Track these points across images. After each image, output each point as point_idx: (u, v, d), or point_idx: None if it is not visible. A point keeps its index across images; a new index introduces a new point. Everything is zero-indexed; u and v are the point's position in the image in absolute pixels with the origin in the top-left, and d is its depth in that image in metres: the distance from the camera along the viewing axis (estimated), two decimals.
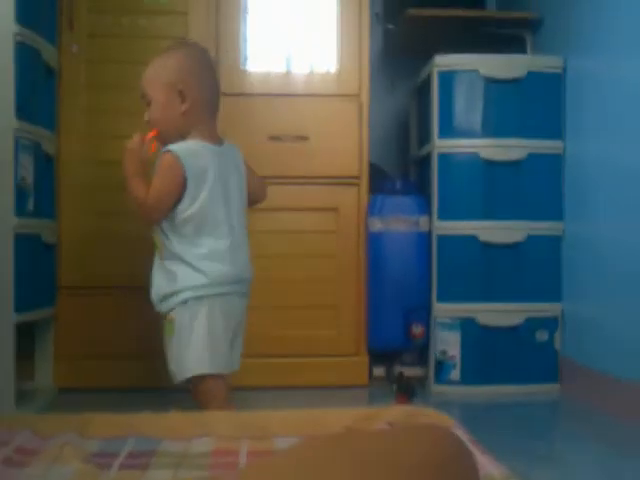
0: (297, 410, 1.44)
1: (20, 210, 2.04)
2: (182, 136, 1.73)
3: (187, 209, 1.68)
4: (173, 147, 1.69)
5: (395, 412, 1.39)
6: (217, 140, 1.78)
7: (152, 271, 1.75)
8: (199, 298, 1.68)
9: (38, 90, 2.17)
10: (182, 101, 1.72)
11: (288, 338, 2.53)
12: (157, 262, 1.74)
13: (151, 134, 1.73)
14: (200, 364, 1.69)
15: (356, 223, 2.56)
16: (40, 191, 2.19)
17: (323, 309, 2.55)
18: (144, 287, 2.39)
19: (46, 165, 2.25)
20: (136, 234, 2.45)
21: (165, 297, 1.70)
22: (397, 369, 2.56)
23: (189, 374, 1.69)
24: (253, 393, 2.43)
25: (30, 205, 2.12)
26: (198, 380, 1.70)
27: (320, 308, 2.55)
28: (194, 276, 1.68)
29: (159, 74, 1.74)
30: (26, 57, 2.06)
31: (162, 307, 1.72)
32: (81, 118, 2.48)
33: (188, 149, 1.70)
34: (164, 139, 1.74)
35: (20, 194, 2.04)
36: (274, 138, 2.53)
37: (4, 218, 2.00)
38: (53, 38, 2.31)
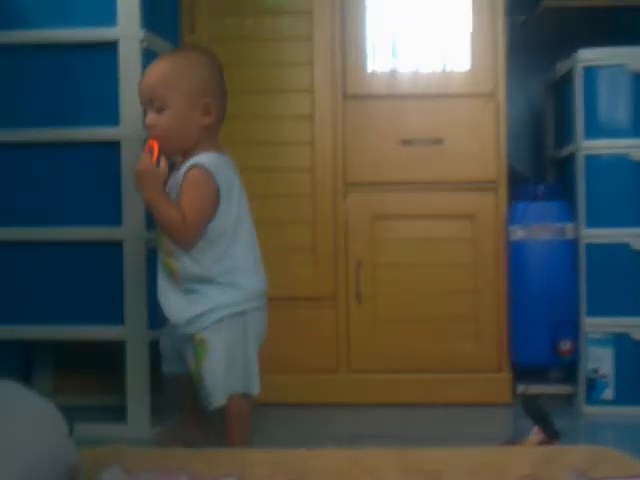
0: (467, 450, 1.31)
1: (150, 224, 1.96)
2: (187, 148, 1.62)
3: (222, 223, 1.59)
4: (199, 161, 1.57)
5: (580, 455, 1.24)
6: (223, 150, 1.69)
7: (163, 294, 1.63)
8: (234, 315, 1.60)
9: None
10: (205, 114, 1.61)
11: (422, 352, 2.40)
12: (170, 285, 1.62)
13: (153, 144, 1.58)
14: (242, 383, 1.61)
15: (494, 231, 2.40)
16: None
17: (461, 321, 2.40)
18: (279, 297, 2.32)
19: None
20: (269, 242, 2.37)
21: (193, 319, 1.59)
22: (522, 388, 2.36)
23: (229, 394, 1.58)
24: (386, 410, 2.32)
25: None
26: (237, 401, 1.60)
27: (458, 320, 2.40)
28: (227, 292, 1.59)
29: (181, 80, 1.60)
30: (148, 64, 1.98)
31: (188, 329, 1.60)
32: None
33: (214, 162, 1.60)
34: (166, 150, 1.60)
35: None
36: (405, 142, 2.39)
37: (137, 233, 1.93)
38: (176, 42, 2.23)
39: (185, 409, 1.73)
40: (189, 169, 1.56)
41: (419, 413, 2.29)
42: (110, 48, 1.91)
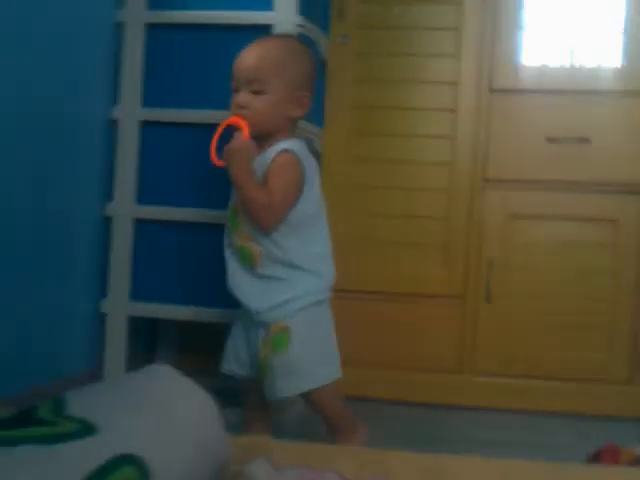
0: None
1: None
2: (269, 134, 1.60)
3: (305, 210, 1.59)
4: (289, 147, 1.58)
5: None
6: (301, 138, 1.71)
7: (238, 282, 1.62)
8: (318, 303, 1.62)
9: None
10: (299, 106, 1.62)
11: (550, 358, 2.33)
12: (246, 271, 1.61)
13: (243, 124, 1.56)
14: (331, 369, 1.63)
15: (638, 237, 2.30)
16: None
17: (594, 329, 2.32)
18: (407, 293, 2.30)
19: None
20: (401, 236, 2.36)
21: (276, 306, 1.59)
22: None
23: (323, 382, 1.61)
24: (509, 416, 2.26)
25: None
26: (328, 387, 1.62)
27: (590, 328, 2.32)
28: (311, 280, 1.61)
29: (288, 70, 1.60)
30: None
31: (268, 317, 1.59)
32: (347, 114, 2.38)
33: (302, 150, 1.61)
34: (249, 132, 1.58)
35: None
36: (551, 140, 2.31)
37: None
38: (326, 29, 2.21)
39: (250, 407, 1.73)
40: (279, 154, 1.56)
41: (543, 422, 2.23)
42: (265, 32, 1.90)
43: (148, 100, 2.00)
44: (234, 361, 1.68)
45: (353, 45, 2.38)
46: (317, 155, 2.15)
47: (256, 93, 1.57)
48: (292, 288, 1.58)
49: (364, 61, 2.38)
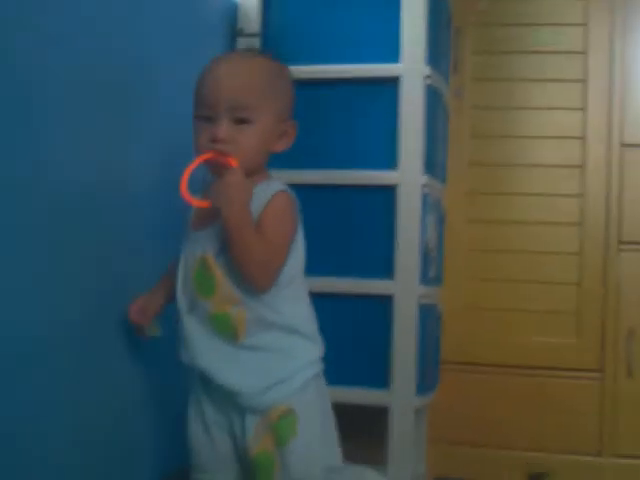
0: None
1: (424, 277, 1.78)
2: (249, 173, 1.25)
3: (295, 263, 1.31)
4: (283, 187, 1.29)
5: None
6: None
7: (214, 355, 1.26)
8: (317, 376, 1.32)
9: (439, 137, 1.92)
10: (283, 138, 1.33)
11: None
12: (226, 344, 1.26)
13: (232, 162, 1.23)
14: (334, 454, 1.34)
15: None
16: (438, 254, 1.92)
17: None
18: (535, 366, 2.09)
19: (440, 224, 1.98)
20: (528, 304, 2.17)
21: (271, 386, 1.26)
22: None
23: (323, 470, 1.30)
24: None
25: (432, 271, 1.85)
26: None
27: None
28: (310, 347, 1.31)
29: (277, 95, 1.30)
30: (432, 101, 1.81)
31: (266, 400, 1.25)
32: (465, 170, 2.21)
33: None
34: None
35: (424, 259, 1.78)
36: None
37: (410, 287, 1.74)
38: (446, 80, 2.06)
39: None
40: (276, 195, 1.26)
41: None
42: (392, 85, 1.75)
43: None
44: (210, 462, 1.32)
45: (469, 98, 2.22)
46: (442, 215, 1.98)
47: (239, 123, 1.25)
48: (292, 359, 1.28)
49: (481, 115, 2.24)
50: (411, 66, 1.76)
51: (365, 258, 1.79)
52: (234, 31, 1.87)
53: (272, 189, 1.26)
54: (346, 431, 1.92)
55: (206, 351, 1.27)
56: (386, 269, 1.76)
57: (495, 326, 2.21)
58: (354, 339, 1.79)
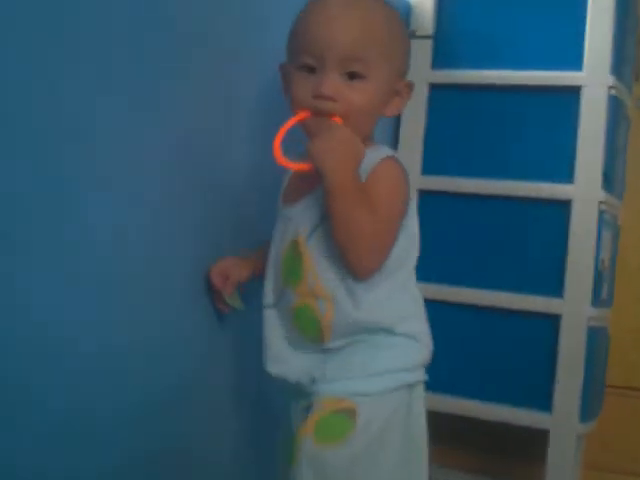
0: None
1: (595, 298, 1.68)
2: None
3: (406, 245, 1.07)
4: (391, 153, 1.07)
5: None
6: None
7: (292, 361, 1.07)
8: (410, 387, 1.05)
9: (620, 151, 1.80)
10: (392, 101, 1.09)
11: None
12: (307, 347, 1.07)
13: (338, 122, 1.02)
14: None
15: None
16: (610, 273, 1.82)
17: None
18: None
19: (615, 242, 1.87)
20: None
21: (342, 379, 1.04)
22: None
23: None
24: None
25: (604, 292, 1.75)
26: None
27: None
28: (406, 351, 1.06)
29: (395, 49, 1.08)
30: (614, 113, 1.70)
31: (326, 387, 1.03)
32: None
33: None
34: None
35: (597, 279, 1.68)
36: None
37: (580, 308, 1.65)
38: (630, 90, 1.93)
39: None
40: (383, 161, 1.04)
41: None
42: (573, 95, 1.66)
43: (427, 168, 1.81)
44: None
45: None
46: (617, 232, 1.86)
47: (350, 77, 1.03)
48: (377, 360, 1.04)
49: None
50: (595, 75, 1.66)
51: (534, 274, 1.71)
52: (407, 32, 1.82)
53: (379, 154, 1.05)
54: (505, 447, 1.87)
55: (281, 351, 1.09)
56: (556, 287, 1.68)
57: None
58: (518, 357, 1.72)
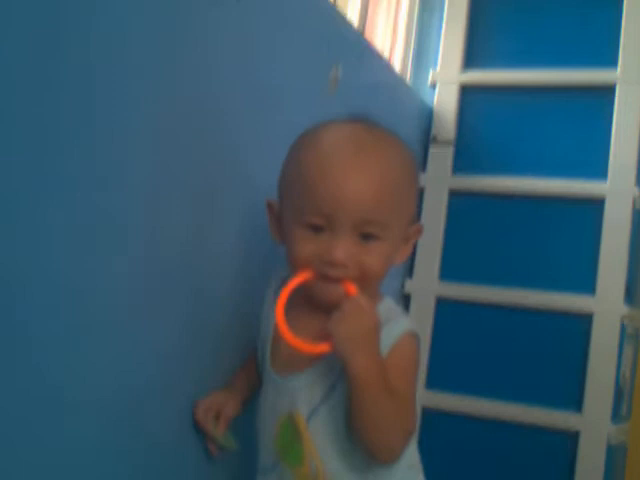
0: None
1: (615, 414, 1.63)
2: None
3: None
4: (410, 326, 0.96)
5: None
6: None
7: None
8: None
9: None
10: (406, 245, 1.00)
11: None
12: None
13: (352, 290, 0.91)
14: None
15: None
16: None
17: None
18: None
19: (636, 354, 1.82)
20: None
21: None
22: None
23: None
24: None
25: (624, 408, 1.70)
26: None
27: None
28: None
29: (409, 201, 0.99)
30: (638, 225, 1.68)
31: None
32: None
33: None
34: None
35: (618, 395, 1.64)
36: None
37: (600, 425, 1.61)
38: None
39: None
40: (404, 337, 0.94)
41: None
42: (596, 205, 1.65)
43: (445, 274, 1.79)
44: None
45: None
46: (638, 345, 1.82)
47: (364, 238, 0.92)
48: None
49: None
50: (619, 186, 1.65)
51: (554, 388, 1.67)
52: (428, 138, 1.82)
53: (400, 327, 0.95)
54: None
55: None
56: (575, 403, 1.63)
57: None
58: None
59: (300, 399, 0.94)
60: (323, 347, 0.90)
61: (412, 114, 1.80)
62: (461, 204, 1.79)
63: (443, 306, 1.75)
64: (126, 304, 0.93)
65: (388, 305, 0.98)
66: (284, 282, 0.95)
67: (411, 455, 0.98)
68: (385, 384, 0.88)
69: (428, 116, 1.83)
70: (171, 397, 1.03)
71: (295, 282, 0.92)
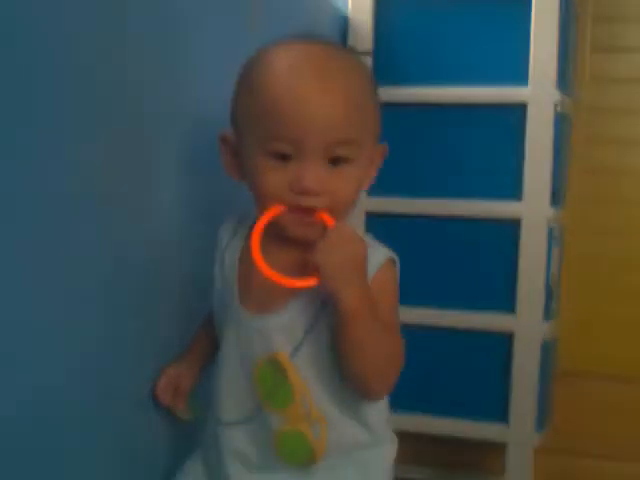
0: None
1: (547, 313, 1.69)
2: None
3: None
4: (388, 252, 0.93)
5: None
6: None
7: None
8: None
9: (563, 163, 1.80)
10: (377, 165, 0.97)
11: None
12: (295, 474, 0.95)
13: (329, 222, 0.87)
14: None
15: None
16: None
17: None
18: None
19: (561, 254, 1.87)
20: None
21: None
22: None
23: None
24: None
25: (554, 306, 1.77)
26: None
27: None
28: (389, 454, 0.99)
29: (375, 120, 0.93)
30: (560, 128, 1.69)
31: None
32: (584, 179, 2.08)
33: None
34: None
35: (548, 294, 1.69)
36: None
37: (533, 324, 1.67)
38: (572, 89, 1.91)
39: None
40: (384, 265, 0.91)
41: None
42: (518, 110, 1.64)
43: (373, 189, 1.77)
44: None
45: (587, 100, 2.05)
46: (563, 245, 1.87)
47: (335, 162, 0.87)
48: (371, 474, 0.96)
49: (597, 118, 2.05)
50: (541, 91, 1.63)
51: (486, 292, 1.71)
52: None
53: (379, 255, 0.91)
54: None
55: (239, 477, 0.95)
56: (509, 305, 1.68)
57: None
58: (474, 373, 1.73)
59: (280, 339, 0.90)
60: (310, 281, 0.85)
61: (327, 24, 1.72)
62: (384, 115, 1.75)
63: (374, 221, 1.75)
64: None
65: (368, 238, 0.93)
66: (250, 228, 0.91)
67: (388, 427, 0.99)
68: (375, 318, 0.86)
69: (343, 25, 1.76)
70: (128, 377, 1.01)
71: (267, 217, 0.87)
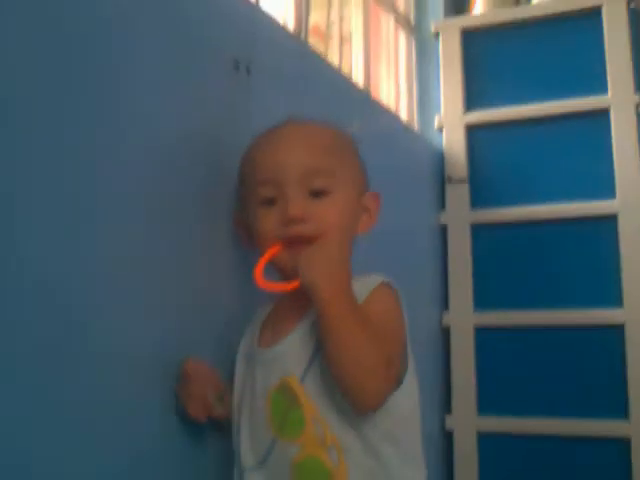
0: None
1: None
2: None
3: (409, 390, 0.93)
4: (385, 278, 0.94)
5: None
6: None
7: None
8: None
9: None
10: (369, 216, 1.01)
11: None
12: None
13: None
14: None
15: None
16: None
17: None
18: None
19: None
20: None
21: None
22: None
23: None
24: None
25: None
26: None
27: None
28: None
29: (351, 163, 1.00)
30: None
31: None
32: None
33: None
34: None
35: None
36: None
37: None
38: None
39: None
40: (379, 287, 0.92)
41: None
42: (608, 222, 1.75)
43: (479, 304, 1.88)
44: None
45: None
46: None
47: (314, 196, 0.94)
48: None
49: None
50: (629, 202, 1.74)
51: (599, 399, 1.75)
52: (442, 179, 1.93)
53: (374, 279, 0.93)
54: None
55: None
56: (622, 410, 1.71)
57: None
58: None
59: (289, 361, 0.91)
60: (294, 283, 0.90)
61: (424, 159, 1.90)
62: (483, 236, 1.88)
63: (481, 334, 1.84)
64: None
65: (364, 275, 0.95)
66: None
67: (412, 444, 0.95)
68: (357, 314, 0.85)
69: (440, 158, 1.94)
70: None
71: (266, 257, 0.94)
